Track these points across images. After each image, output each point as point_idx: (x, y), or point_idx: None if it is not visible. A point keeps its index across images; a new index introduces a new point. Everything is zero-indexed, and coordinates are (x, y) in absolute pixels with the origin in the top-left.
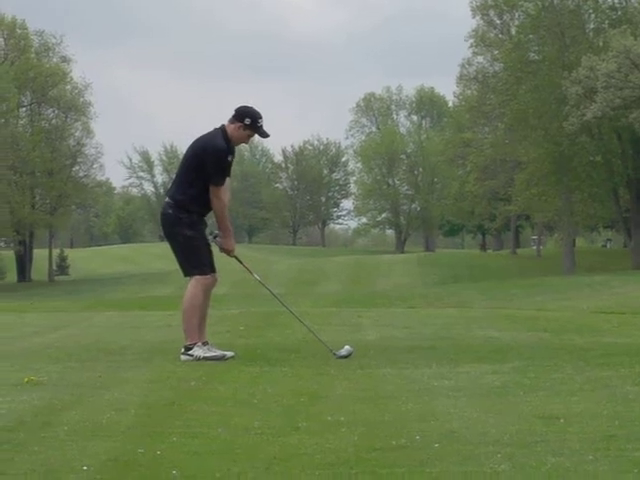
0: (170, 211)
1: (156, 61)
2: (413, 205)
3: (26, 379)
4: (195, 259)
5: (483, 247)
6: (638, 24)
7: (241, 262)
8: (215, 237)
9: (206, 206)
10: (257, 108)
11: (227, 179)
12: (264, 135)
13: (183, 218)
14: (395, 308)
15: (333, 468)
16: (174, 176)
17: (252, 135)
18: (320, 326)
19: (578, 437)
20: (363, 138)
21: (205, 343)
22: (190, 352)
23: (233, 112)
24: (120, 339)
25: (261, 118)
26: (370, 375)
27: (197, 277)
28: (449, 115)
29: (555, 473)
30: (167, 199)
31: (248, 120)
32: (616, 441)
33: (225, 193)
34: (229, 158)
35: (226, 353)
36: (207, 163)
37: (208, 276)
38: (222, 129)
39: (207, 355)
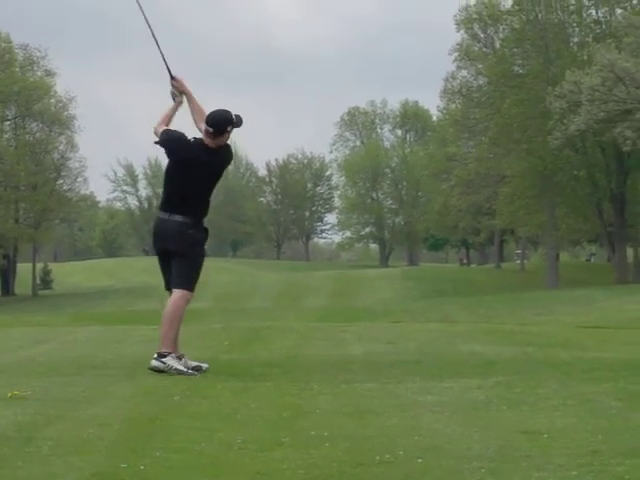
0: (190, 231)
1: (139, 74)
2: (397, 219)
3: (10, 394)
4: (197, 277)
5: (463, 262)
6: (622, 38)
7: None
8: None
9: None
10: (222, 110)
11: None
12: (237, 125)
13: (200, 238)
14: (379, 323)
15: None
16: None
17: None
18: (304, 340)
19: (562, 452)
20: (347, 152)
21: (181, 357)
22: (164, 360)
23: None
24: (104, 353)
25: (223, 122)
26: (354, 390)
27: (187, 292)
28: (433, 129)
29: None
30: (181, 217)
31: (210, 129)
32: (600, 456)
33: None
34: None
35: (203, 365)
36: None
37: (193, 294)
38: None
39: (179, 368)
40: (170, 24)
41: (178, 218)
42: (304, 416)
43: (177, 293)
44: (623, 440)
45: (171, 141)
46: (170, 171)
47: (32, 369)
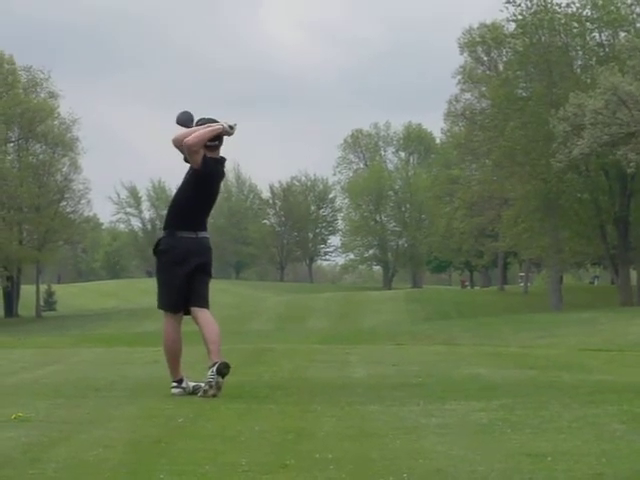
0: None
1: (143, 96)
2: (400, 241)
3: (14, 415)
4: None
5: (464, 284)
6: (625, 61)
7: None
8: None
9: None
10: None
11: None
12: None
13: None
14: (383, 345)
15: None
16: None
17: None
18: (308, 362)
19: (566, 475)
20: (351, 174)
21: (181, 380)
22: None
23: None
24: (108, 375)
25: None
26: (357, 412)
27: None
28: (437, 152)
29: None
30: (205, 233)
31: (216, 142)
32: (604, 479)
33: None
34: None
35: (201, 385)
36: None
37: None
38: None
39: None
40: (171, 48)
41: (205, 235)
42: (308, 439)
43: (208, 312)
44: (627, 463)
45: (209, 168)
46: (196, 192)
47: (36, 391)
